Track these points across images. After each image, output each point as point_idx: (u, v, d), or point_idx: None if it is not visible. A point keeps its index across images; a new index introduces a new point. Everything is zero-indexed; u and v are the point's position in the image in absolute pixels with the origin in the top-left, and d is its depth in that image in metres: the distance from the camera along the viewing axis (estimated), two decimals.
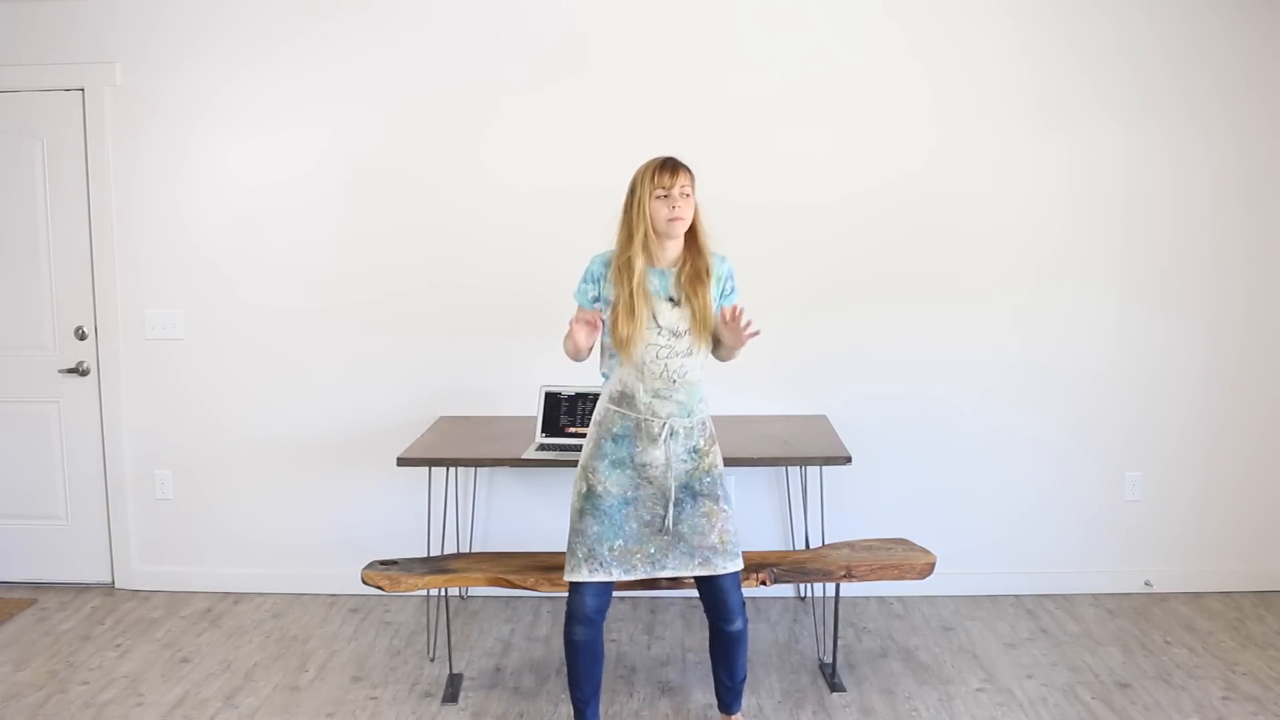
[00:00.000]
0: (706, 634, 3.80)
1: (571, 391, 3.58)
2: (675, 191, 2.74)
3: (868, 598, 4.13)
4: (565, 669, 2.98)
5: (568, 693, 3.35)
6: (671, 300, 2.80)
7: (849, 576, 3.32)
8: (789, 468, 4.06)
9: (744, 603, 2.94)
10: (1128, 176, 4.01)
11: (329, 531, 4.22)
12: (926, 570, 3.36)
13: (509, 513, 4.20)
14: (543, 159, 4.05)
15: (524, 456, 3.44)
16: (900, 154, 4.02)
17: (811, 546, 3.99)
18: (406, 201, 4.08)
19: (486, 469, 4.12)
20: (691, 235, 2.83)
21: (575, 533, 2.86)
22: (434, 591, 3.67)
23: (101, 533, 4.30)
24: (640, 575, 2.86)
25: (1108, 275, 4.06)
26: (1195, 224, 4.03)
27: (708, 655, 3.62)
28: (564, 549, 4.05)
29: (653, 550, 2.84)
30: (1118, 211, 4.03)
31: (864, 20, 3.98)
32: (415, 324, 4.12)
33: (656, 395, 2.81)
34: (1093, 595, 4.13)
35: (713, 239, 2.88)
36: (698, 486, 2.85)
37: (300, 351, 4.16)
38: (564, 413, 3.57)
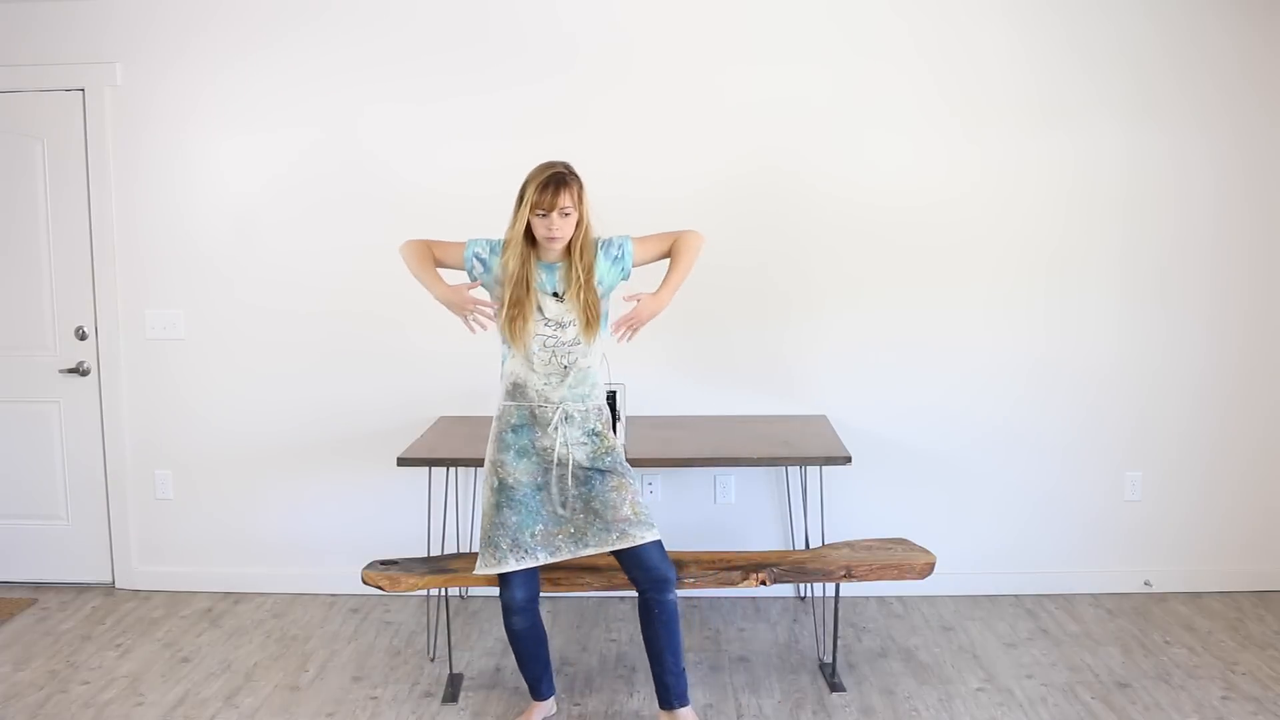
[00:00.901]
0: (706, 634, 3.82)
1: None
2: (554, 214, 2.81)
3: (868, 598, 4.13)
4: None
5: (567, 693, 3.36)
6: (555, 295, 2.89)
7: (849, 576, 3.32)
8: (789, 468, 4.06)
9: (675, 575, 2.97)
10: (1129, 176, 4.01)
11: (329, 531, 4.22)
12: (926, 570, 3.36)
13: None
14: (542, 158, 4.03)
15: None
16: (900, 154, 4.02)
17: (811, 546, 4.00)
18: (406, 201, 4.08)
19: None
20: (578, 242, 2.88)
21: (495, 526, 2.92)
22: (434, 591, 3.67)
23: (102, 533, 4.30)
24: (565, 556, 2.93)
25: (1109, 275, 4.06)
26: (1196, 223, 4.03)
27: (708, 655, 3.64)
28: None
29: (572, 530, 2.93)
30: (1119, 211, 4.03)
31: (865, 19, 3.97)
32: (415, 324, 4.12)
33: (547, 383, 2.90)
34: (1092, 595, 4.13)
35: (598, 226, 2.92)
36: (602, 464, 2.92)
37: (300, 351, 4.17)
38: None
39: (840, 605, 3.54)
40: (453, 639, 3.70)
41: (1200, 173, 4.01)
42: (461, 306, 2.97)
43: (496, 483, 2.94)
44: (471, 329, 3.00)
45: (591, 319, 2.89)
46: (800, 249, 4.07)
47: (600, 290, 2.92)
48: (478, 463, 3.54)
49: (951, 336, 4.08)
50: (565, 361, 2.90)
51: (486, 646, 3.74)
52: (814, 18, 3.98)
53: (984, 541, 4.16)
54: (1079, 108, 3.98)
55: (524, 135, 4.03)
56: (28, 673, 3.53)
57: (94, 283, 4.18)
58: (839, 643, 3.62)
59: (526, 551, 2.91)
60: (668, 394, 4.06)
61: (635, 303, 2.95)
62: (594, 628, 3.90)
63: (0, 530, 4.32)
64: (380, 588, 3.26)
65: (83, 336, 4.22)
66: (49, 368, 4.25)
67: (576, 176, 2.87)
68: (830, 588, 3.64)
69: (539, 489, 2.93)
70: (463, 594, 4.19)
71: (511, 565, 2.91)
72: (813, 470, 3.94)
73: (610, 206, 3.94)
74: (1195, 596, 4.11)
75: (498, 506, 2.93)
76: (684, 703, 3.01)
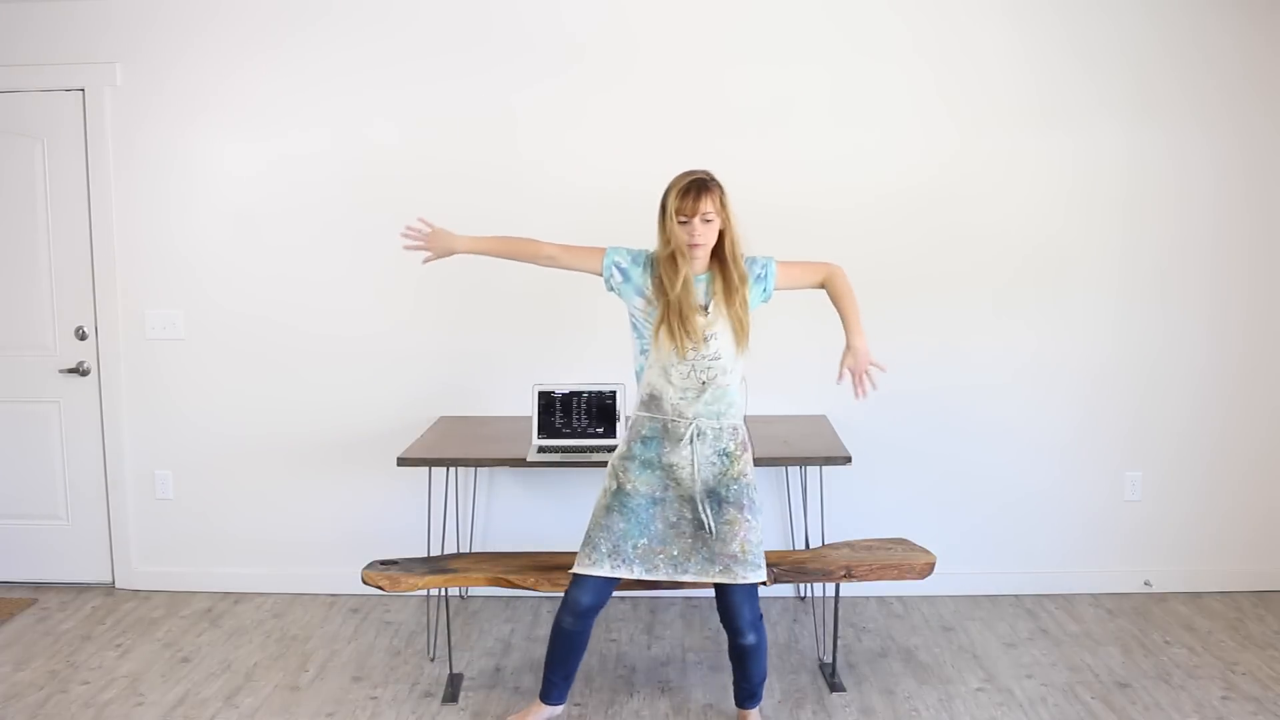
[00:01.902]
0: (706, 634, 3.82)
1: (565, 390, 3.58)
2: (696, 220, 2.78)
3: (868, 598, 4.13)
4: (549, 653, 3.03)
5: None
6: (703, 307, 2.84)
7: (849, 576, 3.32)
8: (789, 468, 4.06)
9: (760, 617, 2.95)
10: (1129, 176, 4.01)
11: (329, 531, 4.22)
12: (926, 570, 3.36)
13: (509, 513, 4.20)
14: (541, 158, 4.05)
15: (528, 459, 3.44)
16: (902, 154, 4.02)
17: (811, 546, 3.99)
18: (406, 200, 4.08)
19: (486, 469, 4.12)
20: (721, 243, 2.85)
21: (600, 527, 2.89)
22: (434, 591, 3.67)
23: (102, 533, 4.30)
24: (662, 576, 2.89)
25: (1109, 275, 4.06)
26: (1197, 223, 4.03)
27: (708, 655, 3.64)
28: (563, 549, 4.05)
29: (675, 552, 2.88)
30: (1119, 210, 4.03)
31: (866, 20, 3.98)
32: (415, 323, 4.12)
33: (683, 397, 2.86)
34: (1092, 595, 4.13)
35: (745, 241, 2.90)
36: (724, 493, 2.87)
37: (300, 351, 4.17)
38: (559, 412, 3.57)
39: (840, 605, 3.54)
40: (453, 639, 3.70)
41: (1200, 172, 4.01)
42: (429, 232, 3.04)
43: (615, 486, 2.91)
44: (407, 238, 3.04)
45: (739, 333, 2.84)
46: (800, 248, 4.05)
47: (743, 307, 2.87)
48: (478, 462, 3.56)
49: (952, 336, 4.08)
50: (704, 377, 2.84)
51: (486, 646, 3.74)
52: (812, 17, 3.98)
53: (984, 542, 4.16)
54: (1079, 107, 3.98)
55: (526, 136, 4.03)
56: (28, 673, 3.53)
57: (94, 283, 4.18)
58: (839, 643, 3.62)
59: (624, 561, 2.87)
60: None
61: (845, 367, 2.93)
62: (594, 628, 3.89)
63: (0, 530, 4.31)
64: (380, 588, 3.26)
65: (83, 336, 4.22)
66: (49, 368, 4.24)
67: (718, 183, 2.84)
68: (830, 588, 3.64)
69: (655, 503, 2.89)
70: (463, 594, 4.19)
71: (606, 570, 2.87)
72: (813, 470, 3.94)
73: (611, 204, 3.97)
74: (1195, 596, 4.11)
75: (608, 509, 2.90)
76: (744, 708, 3.12)
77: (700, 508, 2.86)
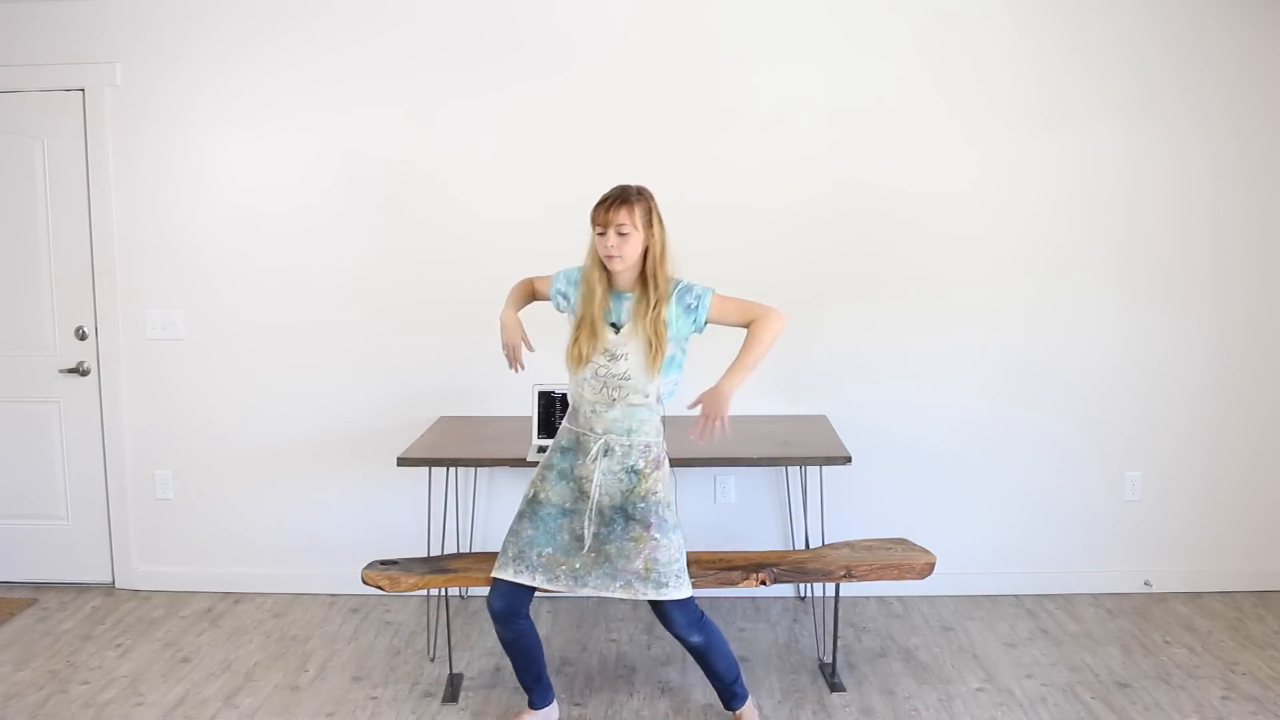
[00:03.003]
0: None
1: (565, 390, 3.57)
2: (610, 231, 2.77)
3: (868, 598, 4.13)
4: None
5: (567, 693, 3.36)
6: (614, 326, 2.85)
7: (849, 576, 3.32)
8: (789, 468, 4.06)
9: (698, 618, 2.95)
10: (1129, 175, 4.01)
11: (329, 531, 4.22)
12: (926, 570, 3.36)
13: (509, 513, 4.18)
14: (541, 158, 4.04)
15: (527, 459, 3.44)
16: (901, 153, 4.02)
17: (811, 546, 3.99)
18: (406, 200, 4.09)
19: (486, 469, 4.12)
20: (651, 272, 2.83)
21: (512, 532, 2.95)
22: (434, 591, 3.67)
23: (101, 533, 4.30)
24: (560, 588, 2.90)
25: (1109, 275, 4.06)
26: (1196, 223, 4.03)
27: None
28: None
29: (577, 565, 2.89)
30: (1119, 210, 4.03)
31: (866, 19, 3.97)
32: (415, 323, 4.12)
33: (594, 411, 2.87)
34: (1092, 595, 4.13)
35: (675, 263, 2.86)
36: (630, 510, 2.87)
37: (300, 351, 4.17)
38: (559, 412, 3.57)
39: (840, 605, 3.54)
40: (453, 639, 3.70)
41: (1200, 172, 4.01)
42: (506, 340, 3.01)
43: (531, 493, 2.96)
44: (510, 365, 3.04)
45: (650, 354, 2.80)
46: (799, 248, 4.07)
47: (668, 333, 2.83)
48: (478, 462, 3.56)
49: (952, 336, 4.08)
50: (614, 394, 2.85)
51: (486, 646, 3.74)
52: (812, 17, 3.98)
53: (984, 541, 4.16)
54: (1079, 107, 3.98)
55: (521, 135, 4.04)
56: (28, 673, 3.53)
57: (94, 283, 4.18)
58: (839, 643, 3.62)
59: (527, 567, 2.91)
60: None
61: (700, 405, 2.84)
62: (594, 628, 3.90)
63: (0, 530, 4.31)
64: (380, 588, 3.26)
65: (83, 336, 4.22)
66: (49, 368, 4.24)
67: (645, 199, 2.83)
68: (830, 588, 3.64)
69: (564, 514, 2.92)
70: (463, 594, 4.19)
71: (509, 575, 2.92)
72: (813, 470, 3.94)
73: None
74: (1195, 596, 4.11)
75: (520, 516, 2.95)
76: (737, 705, 3.12)
77: (586, 522, 2.87)
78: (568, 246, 3.90)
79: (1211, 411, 4.11)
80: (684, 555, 2.95)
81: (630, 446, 2.88)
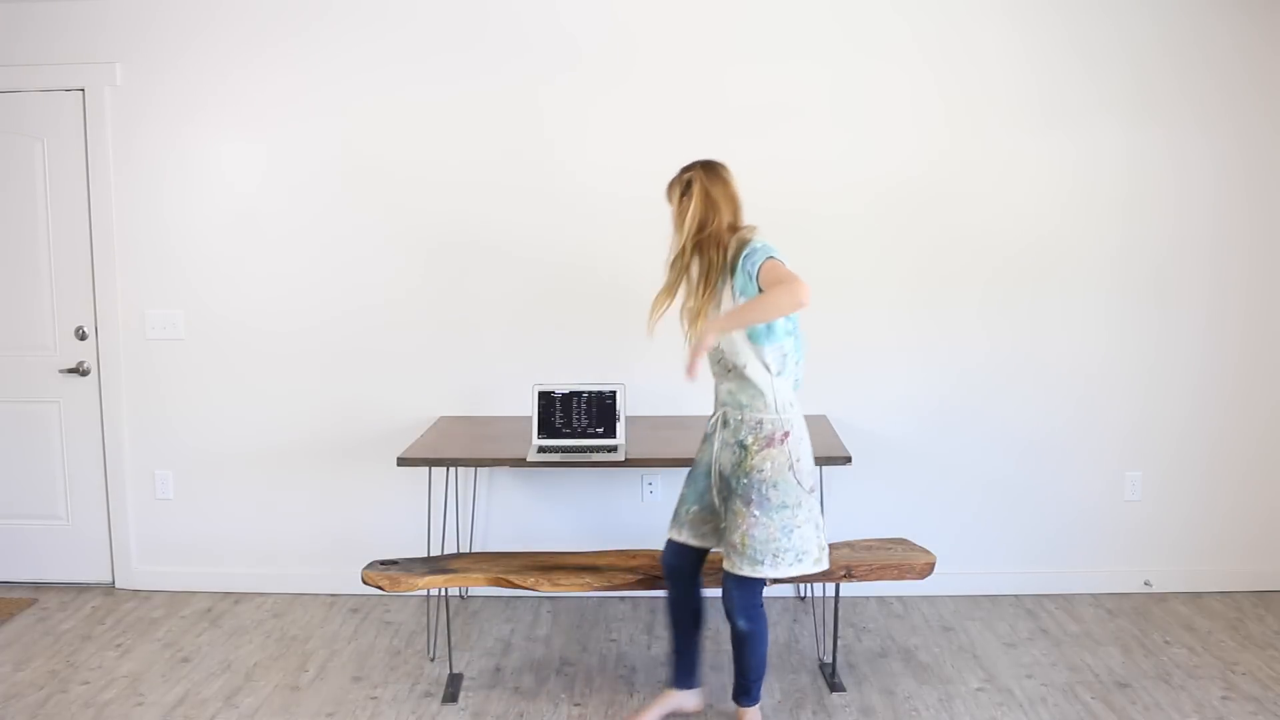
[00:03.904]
0: (706, 634, 3.81)
1: (565, 390, 3.58)
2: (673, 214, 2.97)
3: (868, 598, 4.13)
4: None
5: (567, 692, 3.36)
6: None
7: (849, 576, 3.32)
8: None
9: (753, 606, 2.94)
10: (1130, 175, 4.01)
11: (329, 531, 4.22)
12: (926, 570, 3.36)
13: (509, 513, 4.20)
14: (541, 159, 4.05)
15: (528, 459, 3.44)
16: (901, 154, 4.02)
17: None
18: (406, 201, 4.09)
19: (486, 469, 4.12)
20: (707, 241, 2.93)
21: (681, 493, 3.10)
22: (434, 591, 3.67)
23: (101, 533, 4.30)
24: (710, 544, 3.03)
25: (1109, 275, 4.06)
26: (1196, 223, 4.03)
27: (708, 655, 3.63)
28: (563, 549, 4.06)
29: (722, 525, 2.98)
30: (1119, 210, 4.03)
31: (868, 19, 3.98)
32: (415, 323, 4.12)
33: (717, 382, 3.00)
34: (1092, 595, 4.13)
35: (730, 228, 2.96)
36: (734, 484, 2.93)
37: (300, 351, 4.17)
38: (559, 412, 3.57)
39: (840, 605, 3.54)
40: (453, 639, 3.70)
41: (1200, 172, 4.01)
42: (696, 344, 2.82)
43: (697, 457, 3.07)
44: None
45: (701, 318, 2.87)
46: (800, 248, 4.05)
47: (730, 296, 2.84)
48: (478, 462, 3.56)
49: (952, 336, 4.08)
50: (717, 366, 2.96)
51: (486, 646, 3.74)
52: (814, 16, 3.98)
53: (984, 541, 4.16)
54: (1079, 107, 3.98)
55: (525, 135, 4.03)
56: (28, 673, 3.53)
57: (94, 283, 4.18)
58: (839, 643, 3.62)
59: (679, 524, 3.05)
60: (668, 394, 4.05)
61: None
62: (594, 628, 3.90)
63: (0, 530, 4.31)
64: (380, 588, 3.26)
65: (83, 336, 4.22)
66: (49, 368, 4.24)
67: (691, 173, 2.99)
68: (830, 588, 3.64)
69: (706, 474, 3.02)
70: (463, 594, 4.19)
71: (671, 534, 3.06)
72: None
73: (608, 204, 3.97)
74: (1195, 596, 4.11)
75: (687, 475, 3.09)
76: (746, 704, 3.11)
77: (712, 491, 2.99)
78: (575, 255, 3.94)
79: (1211, 411, 4.11)
80: (793, 537, 2.89)
81: (742, 421, 2.92)
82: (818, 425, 3.92)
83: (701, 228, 2.90)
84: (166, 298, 4.18)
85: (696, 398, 4.09)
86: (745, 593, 2.93)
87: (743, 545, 2.88)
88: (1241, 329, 4.07)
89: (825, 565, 3.00)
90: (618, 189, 3.97)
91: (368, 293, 4.12)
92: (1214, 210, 4.02)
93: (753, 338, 2.86)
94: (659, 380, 4.04)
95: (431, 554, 3.73)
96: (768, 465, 2.88)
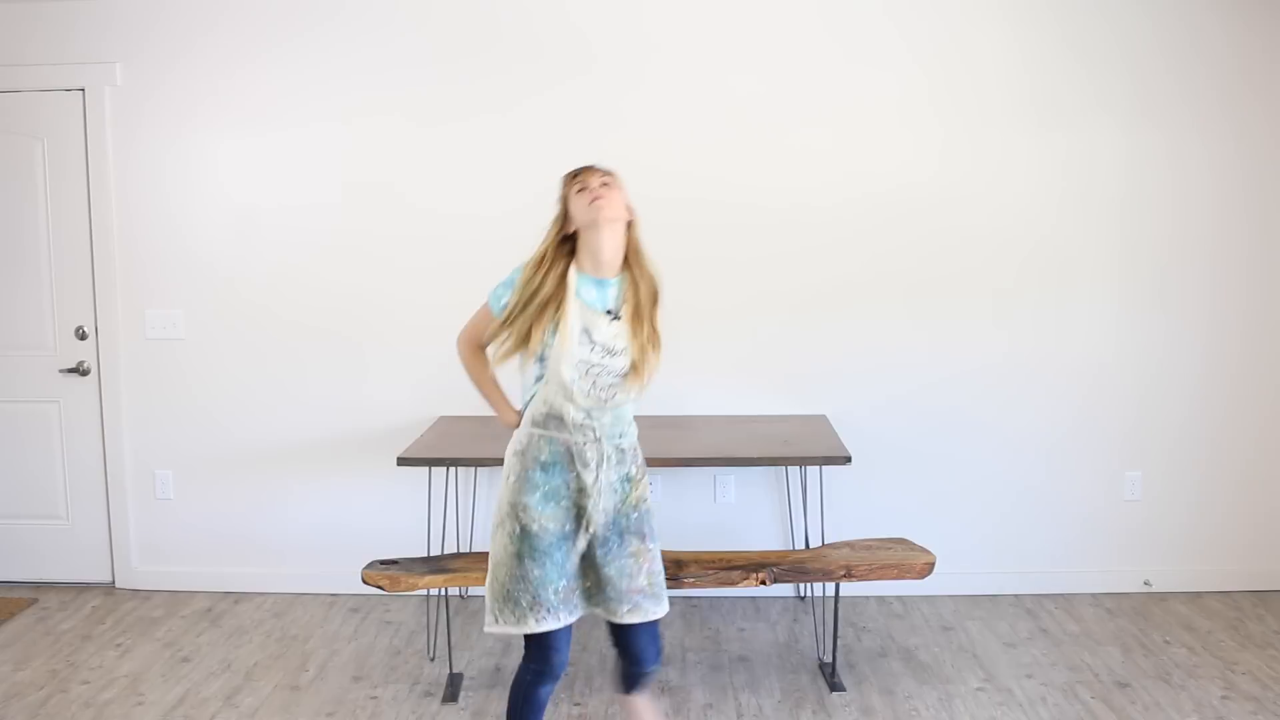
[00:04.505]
0: (706, 634, 3.82)
1: None
2: (593, 181, 2.49)
3: (867, 597, 4.13)
4: (566, 668, 2.68)
5: (567, 692, 3.36)
6: (610, 313, 2.51)
7: (849, 576, 3.32)
8: (789, 468, 4.06)
9: (661, 647, 2.66)
10: (1127, 176, 4.02)
11: (329, 531, 4.22)
12: (926, 570, 3.36)
13: None
14: (548, 160, 4.03)
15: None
16: (901, 155, 4.02)
17: (811, 546, 3.99)
18: (407, 201, 4.09)
19: (486, 469, 4.12)
20: (635, 254, 2.55)
21: (514, 579, 2.49)
22: (434, 591, 3.67)
23: (102, 533, 4.30)
24: (578, 615, 2.56)
25: (1107, 275, 4.06)
26: (1194, 223, 4.04)
27: (707, 655, 3.64)
28: None
29: (588, 585, 2.56)
30: (1117, 212, 4.03)
31: (863, 23, 3.98)
32: (416, 323, 4.12)
33: (588, 417, 2.50)
34: (1092, 595, 4.13)
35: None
36: (624, 523, 2.56)
37: (301, 351, 4.17)
38: None
39: (840, 605, 3.54)
40: (453, 639, 3.70)
41: (1198, 172, 4.01)
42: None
43: (518, 529, 2.50)
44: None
45: (645, 355, 2.51)
46: (800, 249, 4.07)
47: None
48: (478, 462, 3.56)
49: (952, 336, 4.08)
50: (605, 395, 2.50)
51: (486, 646, 3.74)
52: (807, 22, 3.98)
53: (984, 541, 4.16)
54: (1075, 108, 3.98)
55: (528, 136, 4.03)
56: (28, 672, 3.53)
57: (94, 283, 4.18)
58: (839, 642, 3.62)
59: (549, 610, 2.49)
60: (667, 394, 4.04)
61: None
62: (594, 627, 3.90)
63: (0, 530, 4.31)
64: (380, 588, 3.26)
65: (83, 336, 4.22)
66: (49, 368, 4.24)
67: (612, 173, 2.59)
68: (830, 587, 3.64)
69: (565, 538, 2.52)
70: (463, 594, 4.19)
71: (532, 626, 2.48)
72: (812, 470, 3.94)
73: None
74: (1195, 596, 4.11)
75: (519, 557, 2.49)
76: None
77: (582, 542, 2.54)
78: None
79: (1211, 411, 4.11)
80: None
81: (624, 451, 2.57)
82: (818, 425, 3.93)
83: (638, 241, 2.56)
84: (166, 298, 4.18)
85: (698, 398, 4.10)
86: (658, 633, 2.62)
87: (650, 585, 2.56)
88: (1241, 329, 4.07)
89: None
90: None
91: (368, 292, 4.12)
92: (1212, 210, 4.02)
93: (638, 380, 2.55)
94: (659, 380, 4.02)
95: (431, 554, 3.73)
96: (648, 492, 2.62)
